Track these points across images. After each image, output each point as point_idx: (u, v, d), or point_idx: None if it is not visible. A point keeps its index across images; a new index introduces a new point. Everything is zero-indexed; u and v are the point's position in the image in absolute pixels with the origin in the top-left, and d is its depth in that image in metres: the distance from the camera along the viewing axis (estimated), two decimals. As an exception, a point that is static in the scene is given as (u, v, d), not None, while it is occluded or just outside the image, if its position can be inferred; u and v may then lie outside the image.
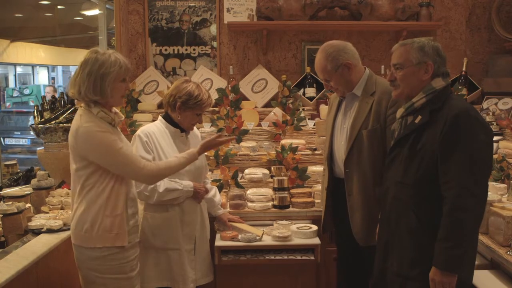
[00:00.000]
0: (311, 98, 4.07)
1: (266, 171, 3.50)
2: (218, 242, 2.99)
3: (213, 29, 4.23)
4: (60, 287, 2.57)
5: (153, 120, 3.50)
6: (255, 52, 4.27)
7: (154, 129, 2.72)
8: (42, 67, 14.71)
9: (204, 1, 4.21)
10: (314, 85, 4.11)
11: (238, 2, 4.16)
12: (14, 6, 7.95)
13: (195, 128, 2.89)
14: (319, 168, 3.45)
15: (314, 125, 3.82)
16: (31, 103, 11.46)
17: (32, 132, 3.42)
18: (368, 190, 2.57)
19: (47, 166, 3.30)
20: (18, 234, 2.67)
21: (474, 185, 1.95)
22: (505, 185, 3.07)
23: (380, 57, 4.27)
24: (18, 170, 4.03)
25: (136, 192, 2.51)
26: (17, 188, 3.42)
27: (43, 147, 3.33)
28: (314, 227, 3.08)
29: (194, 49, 4.26)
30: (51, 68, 14.92)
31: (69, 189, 2.94)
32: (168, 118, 2.75)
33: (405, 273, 2.13)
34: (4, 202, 2.83)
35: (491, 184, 2.93)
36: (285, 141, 3.65)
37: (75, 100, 3.24)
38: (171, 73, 4.26)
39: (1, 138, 8.79)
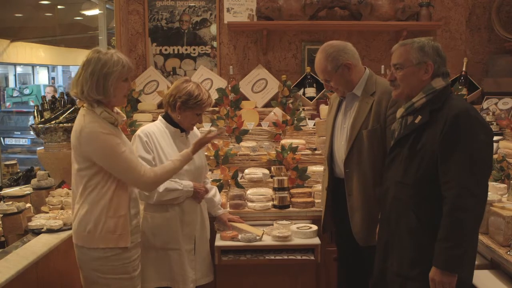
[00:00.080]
0: (311, 98, 4.07)
1: (266, 171, 3.50)
2: (218, 242, 2.99)
3: (213, 29, 4.23)
4: (60, 287, 2.57)
5: (153, 120, 3.50)
6: (255, 52, 4.27)
7: (154, 129, 2.72)
8: (42, 67, 14.71)
9: (204, 1, 4.21)
10: (314, 85, 4.11)
11: (238, 2, 4.16)
12: (14, 6, 7.95)
13: (195, 128, 2.89)
14: (319, 168, 3.45)
15: (314, 125, 3.82)
16: (31, 103, 11.46)
17: (32, 132, 3.42)
18: (368, 190, 2.57)
19: (47, 166, 3.30)
20: (18, 234, 2.66)
21: (474, 185, 1.95)
22: (505, 185, 3.07)
23: (380, 57, 4.27)
24: (18, 170, 4.03)
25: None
26: (17, 188, 3.42)
27: (43, 147, 3.33)
28: (314, 227, 3.08)
29: (194, 49, 4.26)
30: (51, 68, 14.92)
31: (69, 189, 2.95)
32: (168, 118, 2.75)
33: (405, 273, 2.13)
34: (4, 202, 2.83)
35: (491, 184, 2.93)
36: (285, 141, 3.65)
37: (77, 100, 3.25)
38: (171, 73, 4.26)
39: (1, 138, 8.79)
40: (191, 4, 4.21)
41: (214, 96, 3.80)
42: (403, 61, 2.15)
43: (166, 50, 4.25)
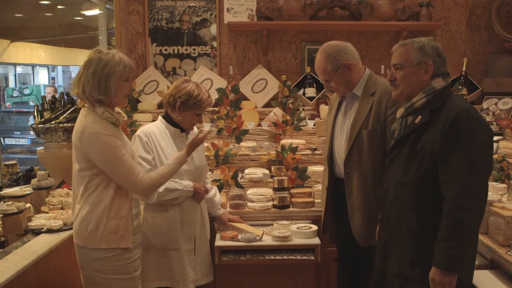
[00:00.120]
0: (311, 98, 4.07)
1: (266, 171, 3.50)
2: (218, 242, 2.99)
3: (213, 29, 4.23)
4: (60, 287, 2.57)
5: (153, 120, 3.50)
6: (255, 52, 4.27)
7: (154, 129, 2.72)
8: (42, 67, 14.72)
9: (204, 1, 4.21)
10: (314, 85, 4.11)
11: (238, 2, 4.16)
12: (14, 6, 7.95)
13: (195, 128, 2.89)
14: (319, 168, 3.45)
15: (314, 125, 3.82)
16: (31, 103, 11.46)
17: (32, 132, 3.42)
18: (368, 190, 2.57)
19: (47, 166, 3.30)
20: (18, 234, 2.66)
21: (474, 185, 1.95)
22: (505, 185, 3.07)
23: (380, 57, 4.27)
24: (18, 170, 4.02)
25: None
26: (17, 188, 3.42)
27: (43, 147, 3.33)
28: (314, 227, 3.08)
29: (194, 49, 4.26)
30: (51, 68, 14.92)
31: (69, 189, 2.95)
32: (168, 118, 2.75)
33: (405, 273, 2.13)
34: (4, 202, 2.83)
35: (491, 184, 2.93)
36: (285, 141, 3.65)
37: (77, 100, 3.25)
38: (171, 73, 4.26)
39: (1, 138, 8.79)
40: (191, 4, 4.21)
41: (214, 96, 3.80)
42: (403, 61, 2.15)
43: (166, 50, 4.25)
